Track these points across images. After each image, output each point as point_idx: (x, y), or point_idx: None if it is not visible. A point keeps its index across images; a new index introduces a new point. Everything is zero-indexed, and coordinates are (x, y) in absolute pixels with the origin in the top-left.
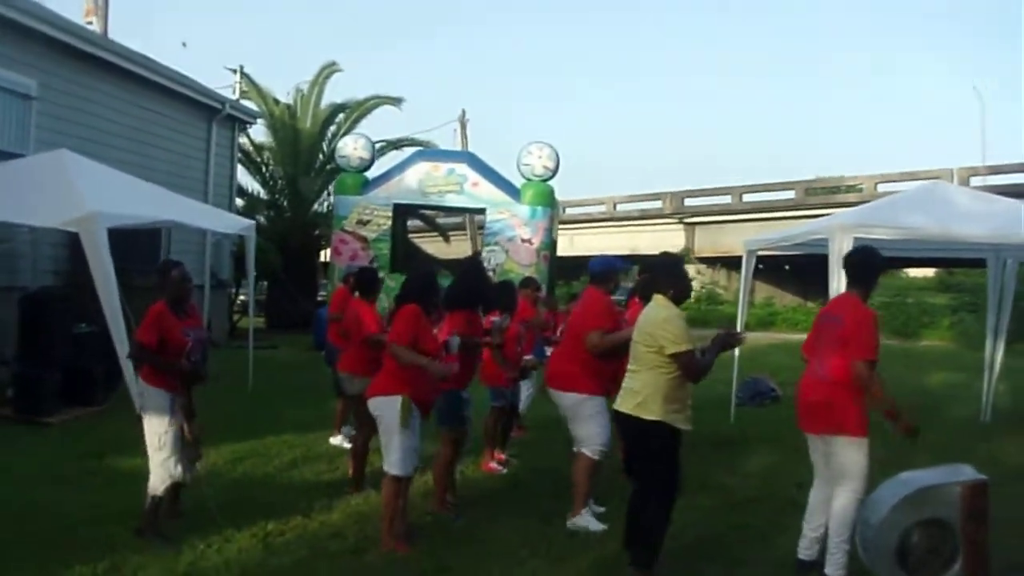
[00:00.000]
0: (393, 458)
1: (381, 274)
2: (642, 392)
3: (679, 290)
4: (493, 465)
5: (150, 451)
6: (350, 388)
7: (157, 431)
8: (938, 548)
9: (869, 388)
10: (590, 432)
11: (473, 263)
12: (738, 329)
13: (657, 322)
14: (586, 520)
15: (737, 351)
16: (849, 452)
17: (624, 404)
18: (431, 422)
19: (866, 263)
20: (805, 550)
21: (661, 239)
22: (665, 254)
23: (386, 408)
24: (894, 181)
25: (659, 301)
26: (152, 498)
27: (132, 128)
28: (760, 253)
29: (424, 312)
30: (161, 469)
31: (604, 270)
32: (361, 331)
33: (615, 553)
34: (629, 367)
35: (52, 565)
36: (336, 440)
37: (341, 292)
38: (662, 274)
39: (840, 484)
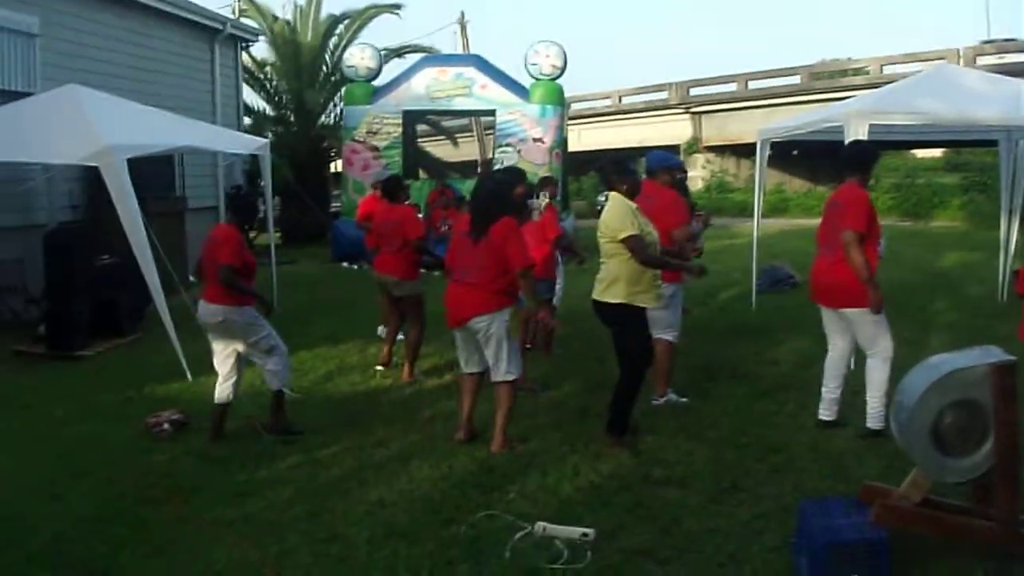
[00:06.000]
0: (513, 364)
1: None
2: (606, 279)
3: (631, 184)
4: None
5: (264, 357)
6: (396, 290)
7: (264, 337)
8: (970, 428)
9: (851, 255)
10: (664, 318)
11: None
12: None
13: (611, 214)
14: (670, 397)
15: (755, 238)
16: (869, 320)
17: (596, 293)
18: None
19: (861, 155)
20: (825, 411)
21: (668, 129)
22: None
23: (495, 322)
24: (899, 63)
25: (614, 197)
26: (278, 392)
27: (136, 56)
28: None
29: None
30: (282, 368)
31: (657, 166)
32: (405, 236)
33: (652, 448)
34: (600, 260)
35: (107, 491)
36: (381, 331)
37: (370, 200)
38: (612, 173)
39: (870, 351)
